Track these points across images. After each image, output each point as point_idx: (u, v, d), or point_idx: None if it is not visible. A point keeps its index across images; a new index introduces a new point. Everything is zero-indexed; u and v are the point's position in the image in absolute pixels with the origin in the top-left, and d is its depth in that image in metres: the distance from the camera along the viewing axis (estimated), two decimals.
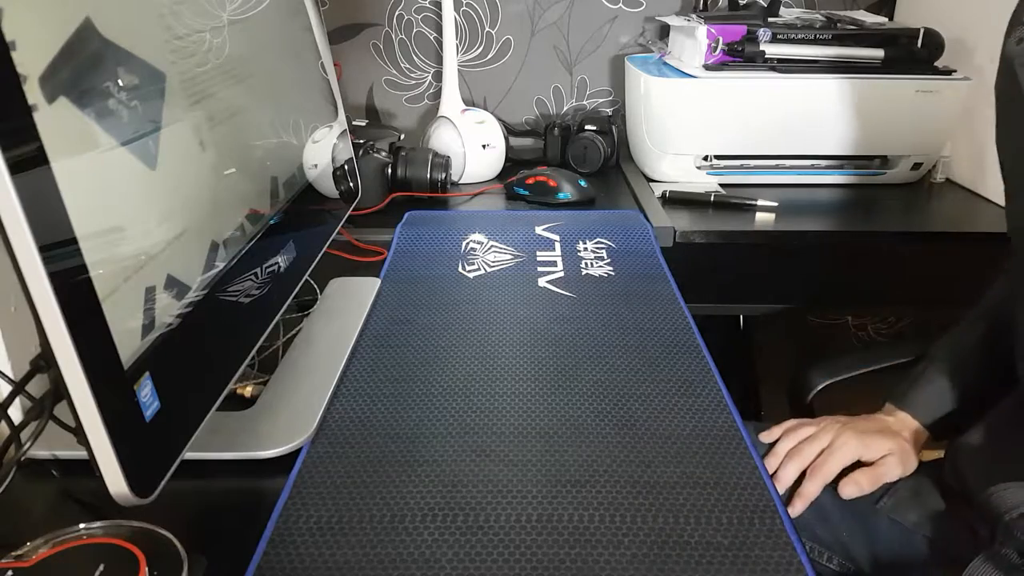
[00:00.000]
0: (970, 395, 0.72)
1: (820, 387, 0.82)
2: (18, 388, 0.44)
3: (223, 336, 0.52)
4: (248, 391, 0.60)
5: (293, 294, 0.63)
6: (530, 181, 1.03)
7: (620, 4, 1.23)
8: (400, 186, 1.01)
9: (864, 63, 1.02)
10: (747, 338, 1.35)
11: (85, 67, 0.38)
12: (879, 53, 1.02)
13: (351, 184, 0.83)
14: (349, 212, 0.82)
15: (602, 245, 0.87)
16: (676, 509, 0.47)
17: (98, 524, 0.41)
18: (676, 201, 1.02)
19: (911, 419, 0.72)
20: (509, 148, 1.17)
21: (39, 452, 0.51)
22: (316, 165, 0.74)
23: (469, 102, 1.26)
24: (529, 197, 1.03)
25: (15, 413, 0.46)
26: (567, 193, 1.00)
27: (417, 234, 0.89)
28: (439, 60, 1.26)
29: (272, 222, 0.61)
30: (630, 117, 1.17)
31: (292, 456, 0.52)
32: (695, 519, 0.46)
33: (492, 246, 0.86)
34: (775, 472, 0.68)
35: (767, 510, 0.47)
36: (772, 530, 0.45)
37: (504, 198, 1.06)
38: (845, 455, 0.67)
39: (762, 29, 1.02)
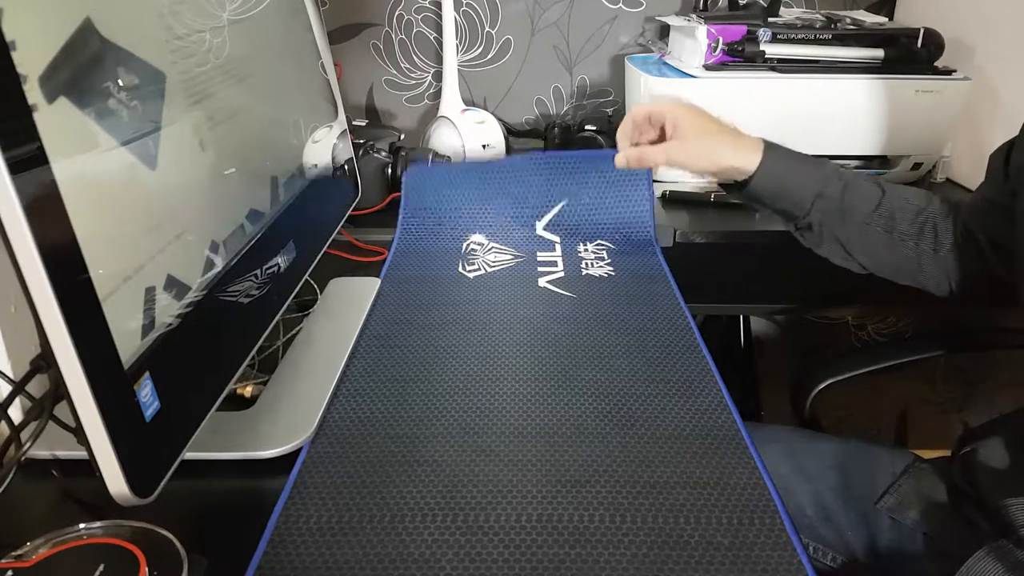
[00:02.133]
0: (809, 218, 0.72)
1: (820, 387, 0.82)
2: (18, 388, 0.44)
3: (223, 336, 0.52)
4: (248, 391, 0.60)
5: (293, 294, 0.63)
6: None
7: (620, 4, 1.23)
8: (400, 186, 1.01)
9: (864, 63, 1.02)
10: (747, 338, 1.35)
11: (85, 67, 0.38)
12: (879, 53, 1.02)
13: (351, 184, 0.83)
14: (349, 212, 0.82)
15: (603, 247, 0.87)
16: (676, 509, 0.47)
17: (98, 524, 0.41)
18: (676, 201, 1.02)
19: (753, 156, 0.71)
20: (509, 148, 1.17)
21: (39, 452, 0.51)
22: (316, 165, 0.74)
23: (469, 102, 1.26)
24: None
25: (15, 413, 0.46)
26: None
27: (418, 228, 0.88)
28: (439, 60, 1.26)
29: (272, 222, 0.61)
30: None
31: (292, 456, 0.52)
32: (695, 519, 0.46)
33: (493, 247, 0.86)
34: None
35: (767, 510, 0.47)
36: (772, 530, 0.45)
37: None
38: (656, 105, 0.75)
39: (762, 29, 1.02)
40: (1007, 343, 0.92)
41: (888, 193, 0.72)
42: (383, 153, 1.00)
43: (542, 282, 0.78)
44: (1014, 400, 1.44)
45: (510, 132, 1.20)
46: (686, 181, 1.08)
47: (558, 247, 0.86)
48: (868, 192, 0.72)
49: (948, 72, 1.01)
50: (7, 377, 0.47)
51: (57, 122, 0.35)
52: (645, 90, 1.06)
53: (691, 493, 0.48)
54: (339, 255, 0.85)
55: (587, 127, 1.15)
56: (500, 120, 1.16)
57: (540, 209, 0.92)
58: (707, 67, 1.03)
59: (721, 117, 0.76)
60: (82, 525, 0.41)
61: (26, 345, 0.50)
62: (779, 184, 0.72)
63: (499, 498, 0.48)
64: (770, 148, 0.72)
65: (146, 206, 0.43)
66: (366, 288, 0.76)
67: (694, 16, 1.10)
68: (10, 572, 0.37)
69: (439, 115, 1.15)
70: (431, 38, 1.25)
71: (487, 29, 1.25)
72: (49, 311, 0.33)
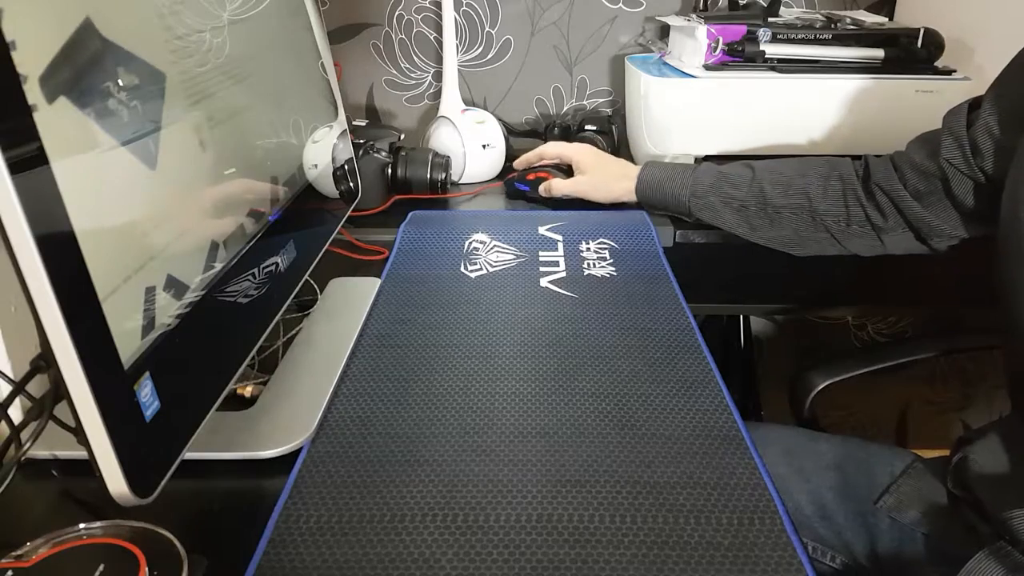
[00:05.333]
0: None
1: (820, 387, 0.82)
2: (18, 388, 0.44)
3: (223, 336, 0.52)
4: (248, 391, 0.60)
5: (293, 294, 0.63)
6: (531, 177, 1.01)
7: (620, 4, 1.23)
8: (400, 186, 1.01)
9: (864, 63, 1.02)
10: (747, 338, 1.35)
11: (85, 67, 0.38)
12: (879, 53, 1.02)
13: (351, 184, 0.83)
14: (349, 212, 0.82)
15: (605, 245, 0.86)
16: (676, 509, 0.47)
17: (98, 524, 0.41)
18: None
19: (634, 180, 0.89)
20: (509, 148, 1.17)
21: (39, 452, 0.51)
22: (316, 165, 0.74)
23: (469, 102, 1.26)
24: (530, 194, 1.01)
25: (15, 413, 0.46)
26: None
27: (420, 234, 0.89)
28: (439, 60, 1.26)
29: (272, 222, 0.61)
30: (630, 117, 1.17)
31: (292, 456, 0.52)
32: (695, 519, 0.46)
33: (495, 246, 0.86)
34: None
35: (767, 510, 0.47)
36: (772, 530, 0.45)
37: (504, 197, 1.06)
38: (561, 146, 0.98)
39: (762, 29, 1.02)
40: (1005, 342, 0.92)
41: (758, 172, 0.82)
42: (383, 153, 1.00)
43: (544, 282, 0.78)
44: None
45: (510, 132, 1.20)
46: None
47: (560, 247, 0.86)
48: (739, 176, 0.82)
49: (948, 72, 1.01)
50: (7, 377, 0.47)
51: (57, 122, 0.35)
52: (645, 90, 1.07)
53: (691, 493, 0.48)
54: (339, 254, 0.85)
55: (587, 127, 1.15)
56: (500, 120, 1.16)
57: (543, 217, 0.95)
58: (707, 67, 1.03)
59: (617, 160, 0.96)
60: (82, 525, 0.41)
61: (26, 345, 0.50)
62: (656, 193, 0.87)
63: (499, 498, 0.48)
64: (648, 166, 0.89)
65: (146, 206, 0.43)
66: (366, 288, 0.76)
67: (694, 16, 1.10)
68: (10, 572, 0.37)
69: (439, 115, 1.15)
70: (431, 38, 1.25)
71: (487, 29, 1.25)
72: (49, 311, 0.33)
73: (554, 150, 0.96)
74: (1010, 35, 0.99)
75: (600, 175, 0.92)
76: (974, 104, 0.70)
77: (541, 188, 0.95)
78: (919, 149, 0.74)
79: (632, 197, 0.90)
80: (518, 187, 1.03)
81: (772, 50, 1.02)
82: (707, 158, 1.09)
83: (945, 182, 0.70)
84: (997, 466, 0.62)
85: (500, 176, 1.14)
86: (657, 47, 1.21)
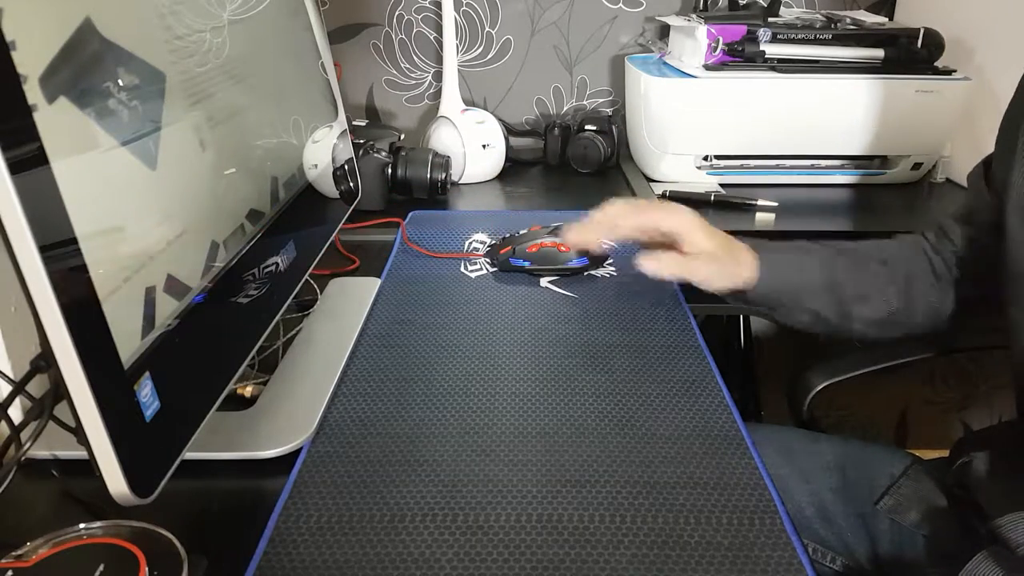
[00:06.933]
0: (817, 304, 0.68)
1: (820, 387, 0.82)
2: (18, 388, 0.44)
3: (223, 336, 0.52)
4: (248, 391, 0.60)
5: (293, 294, 0.63)
6: (533, 249, 0.78)
7: (620, 4, 1.23)
8: (400, 186, 1.01)
9: (864, 63, 1.02)
10: (747, 338, 1.35)
11: (85, 67, 0.38)
12: (879, 53, 1.02)
13: (351, 184, 0.83)
14: (349, 212, 0.82)
15: (605, 246, 0.86)
16: (676, 509, 0.47)
17: (98, 524, 0.41)
18: (676, 201, 1.02)
19: (752, 267, 0.65)
20: (509, 148, 1.17)
21: (39, 452, 0.51)
22: (316, 165, 0.74)
23: (469, 102, 1.26)
24: (531, 269, 0.79)
25: (15, 413, 0.46)
26: (584, 257, 0.78)
27: (420, 234, 0.89)
28: (439, 60, 1.26)
29: (272, 222, 0.61)
30: (630, 117, 1.17)
31: (292, 456, 0.52)
32: (695, 519, 0.46)
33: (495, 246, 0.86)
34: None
35: (767, 510, 0.47)
36: (772, 530, 0.45)
37: (504, 202, 1.06)
38: (658, 211, 0.64)
39: (762, 29, 1.02)
40: (1006, 343, 0.92)
41: (873, 254, 0.71)
42: (383, 153, 1.00)
43: (544, 281, 0.78)
44: (1013, 401, 1.44)
45: (510, 132, 1.20)
46: (685, 181, 1.09)
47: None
48: (864, 256, 0.70)
49: (948, 72, 1.01)
50: (7, 377, 0.47)
51: (57, 122, 0.35)
52: (645, 90, 1.07)
53: (691, 493, 0.48)
54: (340, 255, 0.85)
55: (587, 127, 1.15)
56: (500, 120, 1.16)
57: (544, 217, 0.94)
58: (707, 67, 1.03)
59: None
60: (82, 525, 0.41)
61: (26, 345, 0.50)
62: (782, 288, 0.67)
63: (499, 498, 0.48)
64: (765, 255, 0.67)
65: (146, 206, 0.43)
66: (366, 288, 0.76)
67: (694, 16, 1.10)
68: (10, 572, 0.37)
69: (439, 115, 1.15)
70: (431, 38, 1.25)
71: (487, 29, 1.25)
72: (49, 311, 0.33)
73: (654, 215, 0.65)
74: (1010, 35, 0.99)
75: (726, 262, 0.65)
76: (988, 161, 0.66)
77: (647, 263, 0.63)
78: (957, 223, 0.69)
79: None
80: (514, 263, 0.79)
81: (772, 50, 1.02)
82: (707, 158, 1.09)
83: (981, 246, 0.66)
84: (999, 471, 0.62)
85: (500, 176, 1.14)
86: (657, 47, 1.21)
